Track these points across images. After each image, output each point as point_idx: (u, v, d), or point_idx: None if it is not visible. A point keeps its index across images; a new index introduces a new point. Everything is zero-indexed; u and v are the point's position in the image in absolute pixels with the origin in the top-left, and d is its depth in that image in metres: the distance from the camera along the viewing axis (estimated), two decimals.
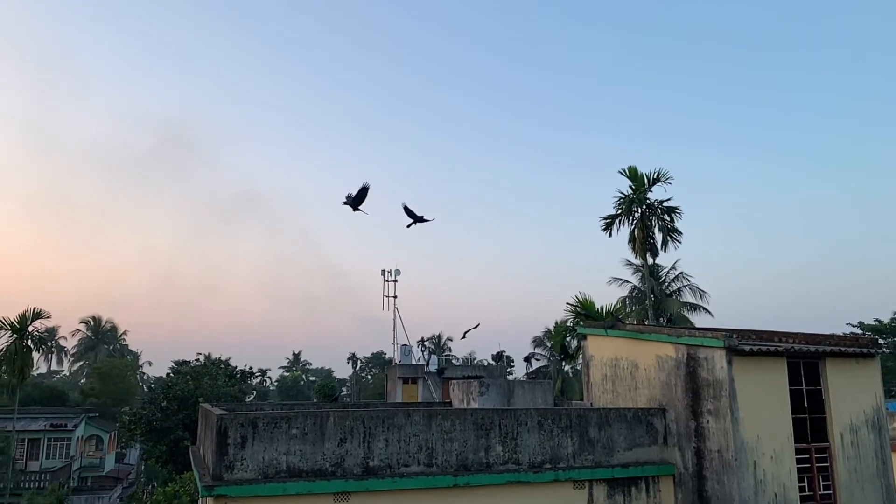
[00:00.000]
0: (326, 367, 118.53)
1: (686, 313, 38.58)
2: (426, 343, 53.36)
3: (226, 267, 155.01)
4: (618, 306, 34.14)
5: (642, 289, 38.15)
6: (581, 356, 19.87)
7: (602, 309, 29.85)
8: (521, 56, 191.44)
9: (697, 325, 33.41)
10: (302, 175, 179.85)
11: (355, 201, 17.03)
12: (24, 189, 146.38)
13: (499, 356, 40.61)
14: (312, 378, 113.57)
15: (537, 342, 55.27)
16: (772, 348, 12.95)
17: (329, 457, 11.44)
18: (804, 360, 13.56)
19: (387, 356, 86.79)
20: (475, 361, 64.88)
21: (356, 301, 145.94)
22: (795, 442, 12.96)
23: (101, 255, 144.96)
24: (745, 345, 12.72)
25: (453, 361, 54.16)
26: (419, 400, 33.57)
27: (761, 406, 12.74)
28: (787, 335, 13.39)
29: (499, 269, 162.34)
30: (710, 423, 12.88)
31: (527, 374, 51.62)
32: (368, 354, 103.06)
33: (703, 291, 38.83)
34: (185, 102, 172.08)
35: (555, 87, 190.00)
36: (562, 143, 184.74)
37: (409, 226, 17.54)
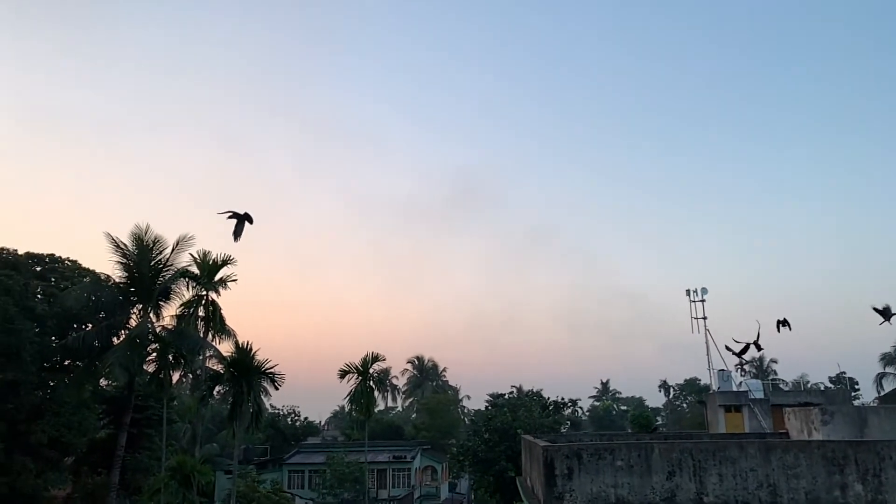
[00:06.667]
0: (637, 396, 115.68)
1: None
2: (745, 367, 49.15)
3: (526, 300, 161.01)
4: None
5: None
6: None
7: None
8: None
9: None
10: (589, 202, 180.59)
11: None
12: (353, 248, 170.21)
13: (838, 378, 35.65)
14: (624, 407, 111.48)
15: (887, 360, 47.37)
16: None
17: (659, 490, 10.96)
18: None
19: (701, 382, 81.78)
20: (808, 385, 57.74)
21: (661, 325, 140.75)
22: None
23: (418, 298, 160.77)
24: None
25: (781, 386, 48.81)
26: (746, 430, 30.74)
27: None
28: None
29: (830, 280, 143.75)
30: None
31: (878, 397, 44.40)
32: (680, 381, 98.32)
33: None
34: (473, 151, 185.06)
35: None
36: None
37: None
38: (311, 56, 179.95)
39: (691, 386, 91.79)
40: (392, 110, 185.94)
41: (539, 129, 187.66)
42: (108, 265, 34.89)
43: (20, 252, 35.44)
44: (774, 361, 75.92)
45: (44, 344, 33.29)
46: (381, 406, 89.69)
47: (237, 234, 23.02)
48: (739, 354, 33.80)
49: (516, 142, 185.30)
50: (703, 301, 36.30)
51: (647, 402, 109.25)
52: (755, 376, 62.88)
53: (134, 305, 34.54)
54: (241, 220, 22.09)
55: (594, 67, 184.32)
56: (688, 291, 36.79)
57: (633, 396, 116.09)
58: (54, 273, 36.72)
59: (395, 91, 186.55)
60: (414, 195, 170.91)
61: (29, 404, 32.68)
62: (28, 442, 32.05)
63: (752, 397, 32.43)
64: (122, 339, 33.14)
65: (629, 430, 55.99)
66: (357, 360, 44.12)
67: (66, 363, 35.73)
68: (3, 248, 34.55)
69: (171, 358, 32.47)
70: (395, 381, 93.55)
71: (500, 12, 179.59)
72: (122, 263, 33.80)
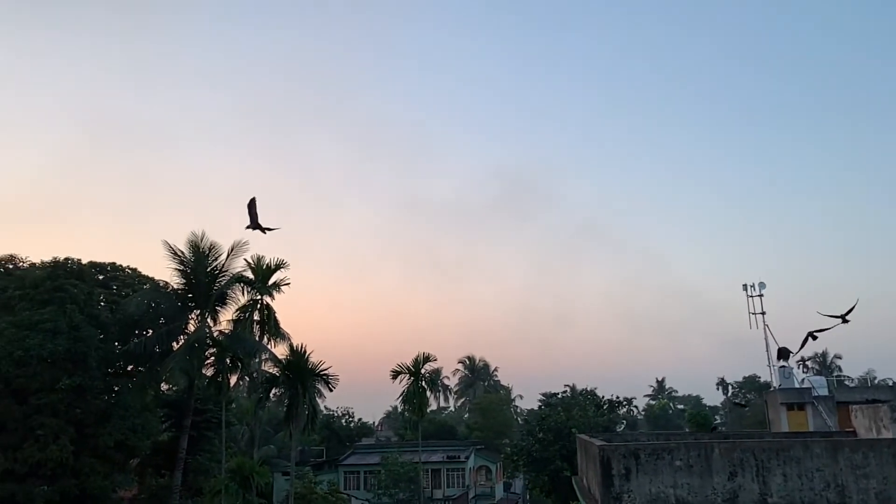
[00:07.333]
0: (694, 394, 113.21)
1: None
2: (807, 363, 47.62)
3: (577, 297, 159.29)
4: None
5: None
6: None
7: None
8: None
9: None
10: (640, 198, 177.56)
11: None
12: (402, 249, 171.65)
13: None
14: (680, 406, 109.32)
15: None
16: None
17: (720, 491, 10.69)
18: None
19: (761, 380, 79.56)
20: (876, 381, 55.54)
21: (717, 321, 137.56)
22: None
23: (468, 298, 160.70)
24: None
25: (846, 382, 47.08)
26: (810, 429, 29.73)
27: None
28: None
29: None
30: None
31: None
32: (739, 378, 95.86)
33: None
34: (522, 149, 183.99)
35: None
36: None
37: None
38: (357, 61, 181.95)
39: (751, 383, 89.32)
40: (439, 111, 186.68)
41: (589, 125, 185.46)
42: (166, 272, 36.04)
43: (84, 262, 36.80)
44: (839, 357, 73.43)
45: (108, 350, 34.49)
46: (433, 406, 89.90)
47: (255, 220, 25.81)
48: (800, 347, 33.11)
49: (566, 139, 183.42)
50: (761, 296, 35.26)
51: (704, 401, 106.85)
52: (818, 372, 60.85)
53: (192, 311, 35.46)
54: (256, 223, 25.47)
55: (646, 63, 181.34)
56: (745, 286, 35.79)
57: (689, 395, 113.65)
58: (116, 281, 38.00)
59: (441, 92, 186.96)
60: (462, 195, 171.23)
61: (95, 408, 33.88)
62: (95, 445, 33.22)
63: (816, 394, 31.34)
64: (181, 344, 34.03)
65: (686, 430, 54.88)
66: (409, 361, 44.48)
67: (129, 368, 36.96)
68: (67, 258, 35.92)
69: (228, 361, 33.27)
70: (446, 382, 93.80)
71: (549, 7, 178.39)
72: (179, 270, 34.75)
